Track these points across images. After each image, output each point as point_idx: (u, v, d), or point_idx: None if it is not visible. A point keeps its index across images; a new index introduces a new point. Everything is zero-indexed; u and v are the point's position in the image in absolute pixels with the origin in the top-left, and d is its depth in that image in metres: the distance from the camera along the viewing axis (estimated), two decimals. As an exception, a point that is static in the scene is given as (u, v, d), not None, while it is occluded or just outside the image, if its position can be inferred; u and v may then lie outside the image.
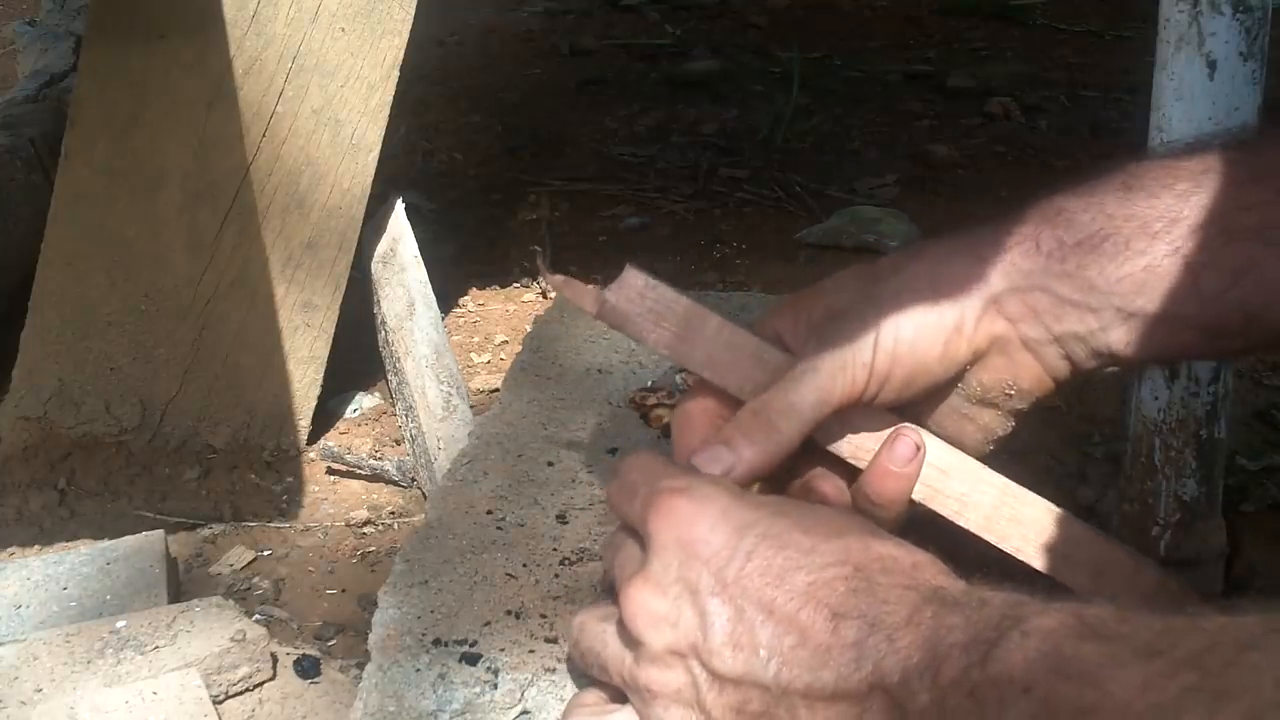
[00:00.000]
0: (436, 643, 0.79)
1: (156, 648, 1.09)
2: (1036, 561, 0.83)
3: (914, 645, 0.60)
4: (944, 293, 0.78)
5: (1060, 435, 1.45)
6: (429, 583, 0.85)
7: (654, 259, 1.96)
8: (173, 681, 1.05)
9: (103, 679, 1.06)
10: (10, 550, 1.36)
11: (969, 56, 2.78)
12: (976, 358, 0.80)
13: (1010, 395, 0.82)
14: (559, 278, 0.82)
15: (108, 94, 1.47)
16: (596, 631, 0.72)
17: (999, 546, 0.83)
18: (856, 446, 0.81)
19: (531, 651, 0.78)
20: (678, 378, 1.08)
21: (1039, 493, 0.86)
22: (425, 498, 1.38)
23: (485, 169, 2.29)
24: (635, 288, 0.80)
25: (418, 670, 0.78)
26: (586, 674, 0.73)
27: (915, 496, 0.81)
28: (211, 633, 1.10)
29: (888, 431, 0.81)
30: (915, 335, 0.78)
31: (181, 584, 1.29)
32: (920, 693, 0.59)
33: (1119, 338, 0.79)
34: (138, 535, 1.28)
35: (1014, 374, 0.81)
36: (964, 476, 0.82)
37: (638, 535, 0.73)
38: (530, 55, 2.85)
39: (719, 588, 0.66)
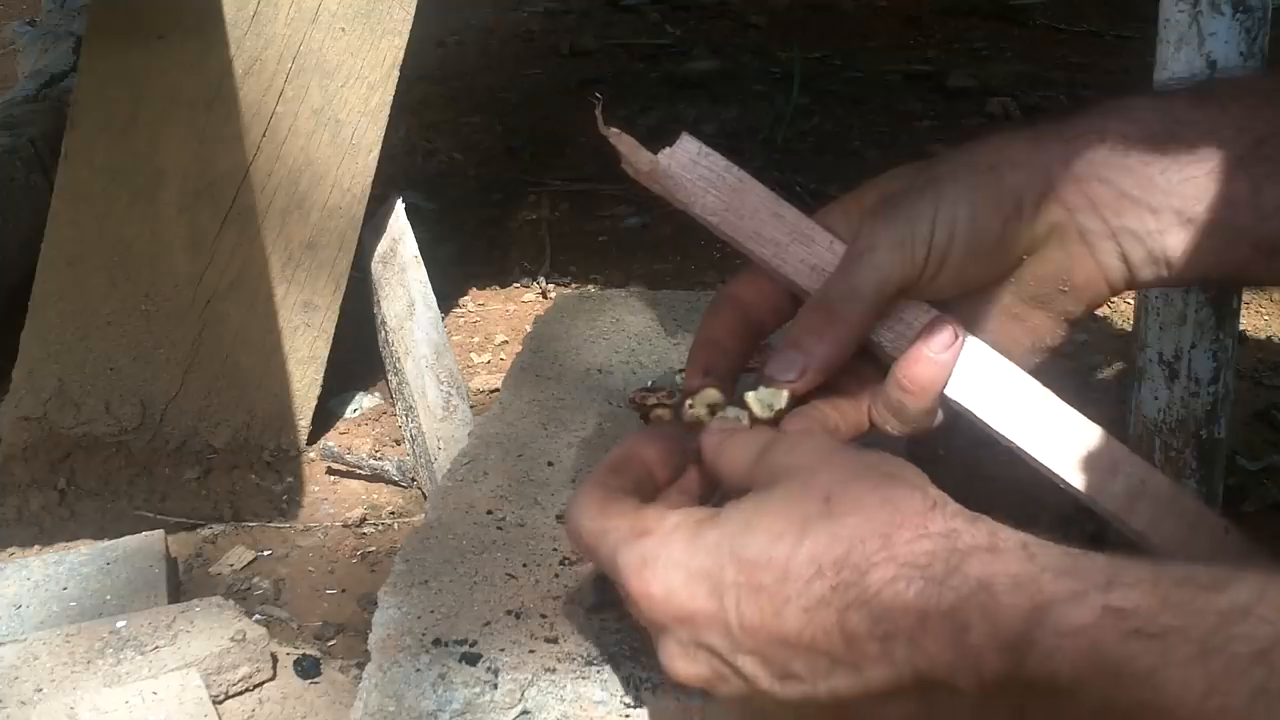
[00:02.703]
0: (436, 643, 0.79)
1: (156, 648, 1.09)
2: (1071, 477, 0.80)
3: (941, 645, 0.59)
4: (1004, 174, 0.76)
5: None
6: (429, 583, 0.85)
7: (654, 259, 1.96)
8: (173, 681, 1.05)
9: (103, 679, 1.06)
10: (10, 550, 1.36)
11: (969, 56, 2.78)
12: (1033, 246, 0.78)
13: (1064, 292, 0.79)
14: (615, 130, 0.81)
15: (108, 94, 1.47)
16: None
17: (1031, 455, 0.80)
18: (900, 336, 0.79)
19: (531, 651, 0.78)
20: (678, 377, 1.08)
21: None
22: (425, 498, 1.38)
23: (485, 169, 2.29)
24: (689, 153, 0.80)
25: (418, 670, 0.78)
26: None
27: (950, 394, 0.78)
28: (211, 633, 1.10)
29: (918, 322, 0.79)
30: (974, 213, 0.76)
31: (181, 584, 1.29)
32: (970, 691, 0.58)
33: (1175, 243, 0.76)
34: (138, 535, 1.28)
35: (1069, 268, 0.78)
36: (1003, 379, 0.79)
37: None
38: (530, 55, 2.85)
39: (735, 646, 0.65)
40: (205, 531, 1.39)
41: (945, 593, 0.59)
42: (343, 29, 1.48)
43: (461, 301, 1.84)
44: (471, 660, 0.78)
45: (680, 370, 1.07)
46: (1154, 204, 0.76)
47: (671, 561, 0.67)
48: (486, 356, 1.71)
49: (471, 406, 1.48)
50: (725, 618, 0.65)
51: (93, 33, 1.48)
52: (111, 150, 1.47)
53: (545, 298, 1.84)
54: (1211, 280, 0.92)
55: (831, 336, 0.77)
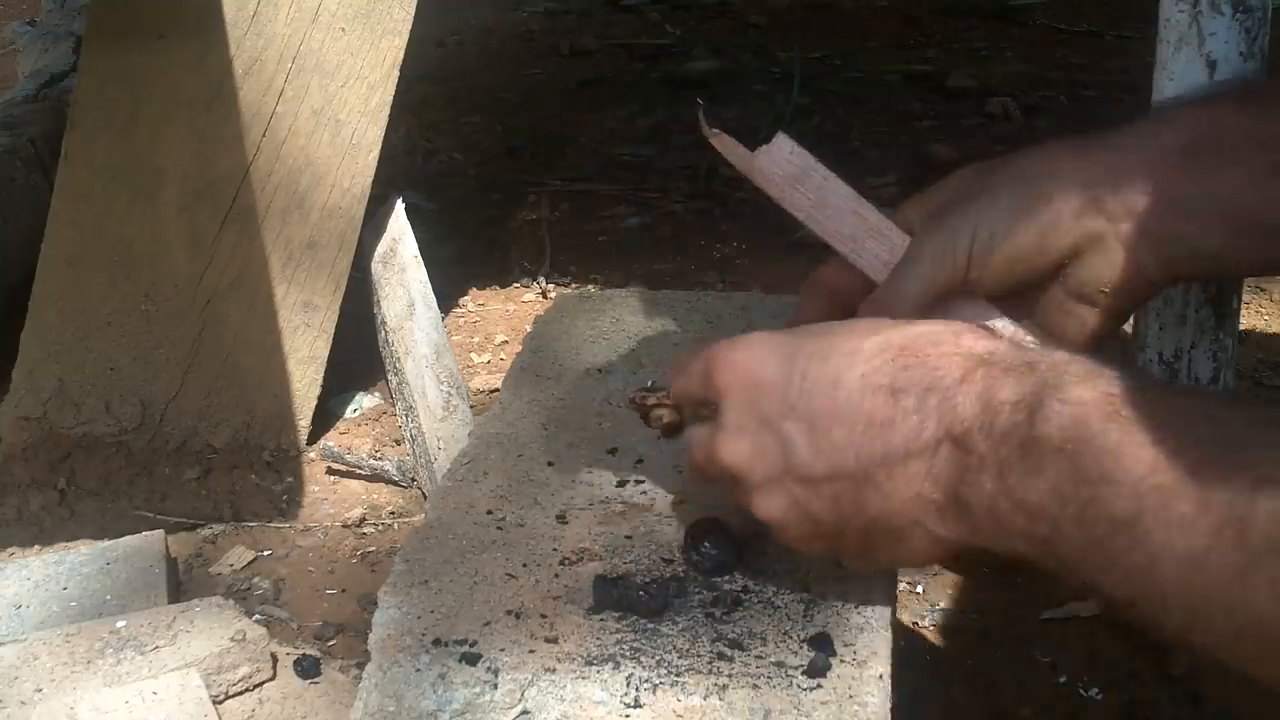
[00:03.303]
0: (436, 643, 0.79)
1: (156, 648, 1.09)
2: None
3: (971, 400, 0.68)
4: (1045, 188, 0.83)
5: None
6: (429, 583, 0.85)
7: (654, 259, 1.96)
8: (173, 681, 1.05)
9: (103, 679, 1.06)
10: (10, 550, 1.36)
11: (969, 56, 2.78)
12: (1074, 253, 0.84)
13: (1105, 293, 0.85)
14: (715, 130, 0.88)
15: (108, 94, 1.47)
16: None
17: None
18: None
19: (531, 651, 0.78)
20: (678, 378, 1.07)
21: None
22: (425, 498, 1.38)
23: (485, 169, 2.29)
24: (782, 153, 0.88)
25: (418, 670, 0.78)
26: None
27: None
28: (211, 633, 1.10)
29: (987, 321, 0.85)
30: (1012, 227, 0.83)
31: (181, 584, 1.29)
32: (980, 441, 0.67)
33: (1218, 244, 0.82)
34: (138, 535, 1.28)
35: (1109, 271, 0.83)
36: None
37: (705, 407, 0.79)
38: (530, 55, 2.85)
39: (788, 410, 0.74)
40: (205, 531, 1.39)
41: (992, 367, 0.69)
42: (343, 29, 1.48)
43: (461, 301, 1.84)
44: (471, 660, 0.78)
45: (680, 370, 1.07)
46: (1194, 208, 0.81)
47: (758, 338, 0.77)
48: (486, 356, 1.71)
49: (471, 406, 1.48)
50: (788, 382, 0.74)
51: (93, 33, 1.48)
52: (111, 150, 1.47)
53: (545, 298, 1.84)
54: (1262, 273, 1.06)
55: None
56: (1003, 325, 0.85)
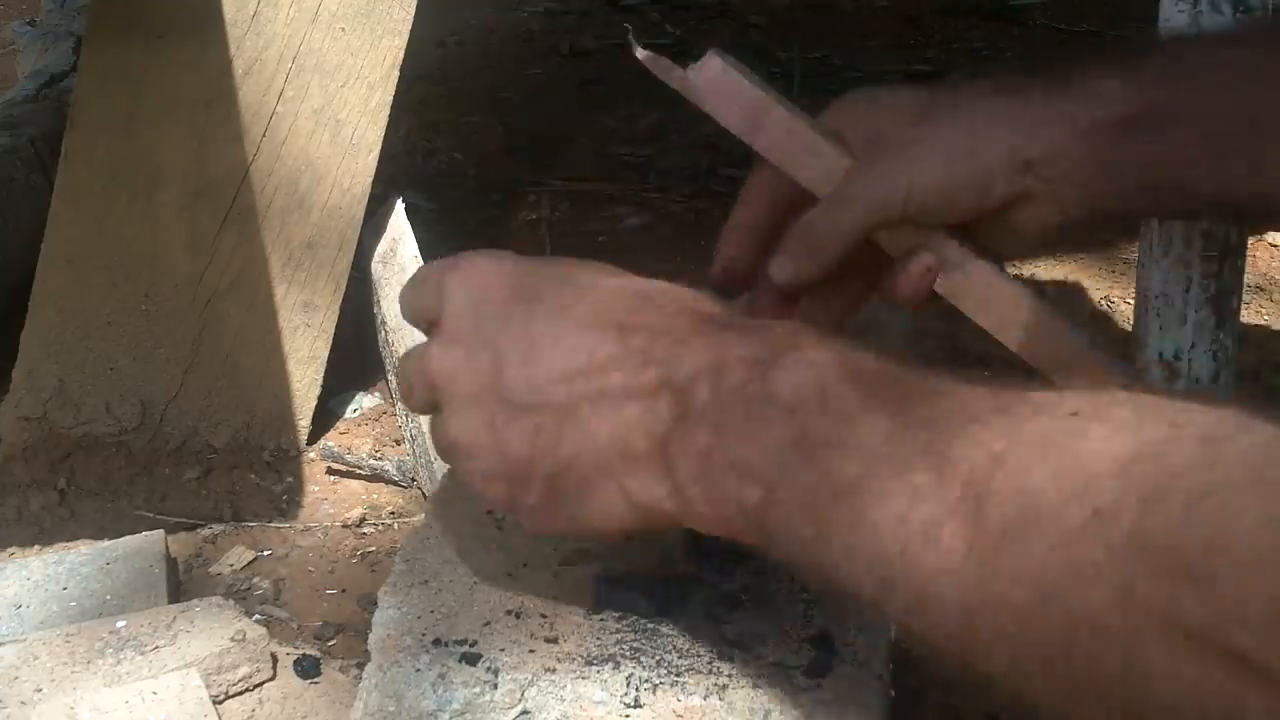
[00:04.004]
0: (436, 643, 0.79)
1: (156, 648, 1.09)
2: (1037, 362, 0.89)
3: (702, 350, 0.65)
4: (981, 150, 0.84)
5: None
6: (429, 583, 0.85)
7: (654, 259, 1.96)
8: (173, 681, 1.05)
9: (103, 679, 1.06)
10: (10, 550, 1.36)
11: (969, 56, 2.78)
12: (1006, 206, 0.85)
13: (1035, 236, 0.87)
14: (647, 53, 0.88)
15: (108, 93, 1.47)
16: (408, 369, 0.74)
17: (1009, 347, 0.89)
18: (900, 248, 0.88)
19: (531, 651, 0.78)
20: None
21: None
22: (425, 498, 1.38)
23: (485, 169, 2.29)
24: (714, 70, 0.89)
25: (418, 670, 0.78)
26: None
27: (939, 289, 0.88)
28: (211, 633, 1.10)
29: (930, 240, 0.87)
30: (946, 185, 0.84)
31: (181, 584, 1.29)
32: (702, 390, 0.63)
33: (1139, 206, 0.86)
34: (138, 535, 1.28)
35: (1041, 222, 0.85)
36: (982, 280, 0.88)
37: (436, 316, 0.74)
38: (530, 55, 2.85)
39: (508, 327, 0.69)
40: (205, 531, 1.39)
41: (727, 327, 0.67)
42: (343, 29, 1.48)
43: (461, 301, 1.84)
44: (471, 660, 0.78)
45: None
46: (1117, 175, 0.83)
47: (499, 254, 0.73)
48: (486, 356, 1.71)
49: (471, 406, 1.48)
50: (516, 298, 0.70)
51: (93, 32, 1.48)
52: (111, 150, 1.47)
53: (545, 298, 1.84)
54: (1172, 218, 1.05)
55: (815, 261, 0.87)
56: (944, 243, 0.87)
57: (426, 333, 0.74)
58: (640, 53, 0.88)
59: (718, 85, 0.89)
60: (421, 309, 0.74)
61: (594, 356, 0.67)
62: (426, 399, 0.72)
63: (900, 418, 0.57)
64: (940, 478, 0.54)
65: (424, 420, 1.42)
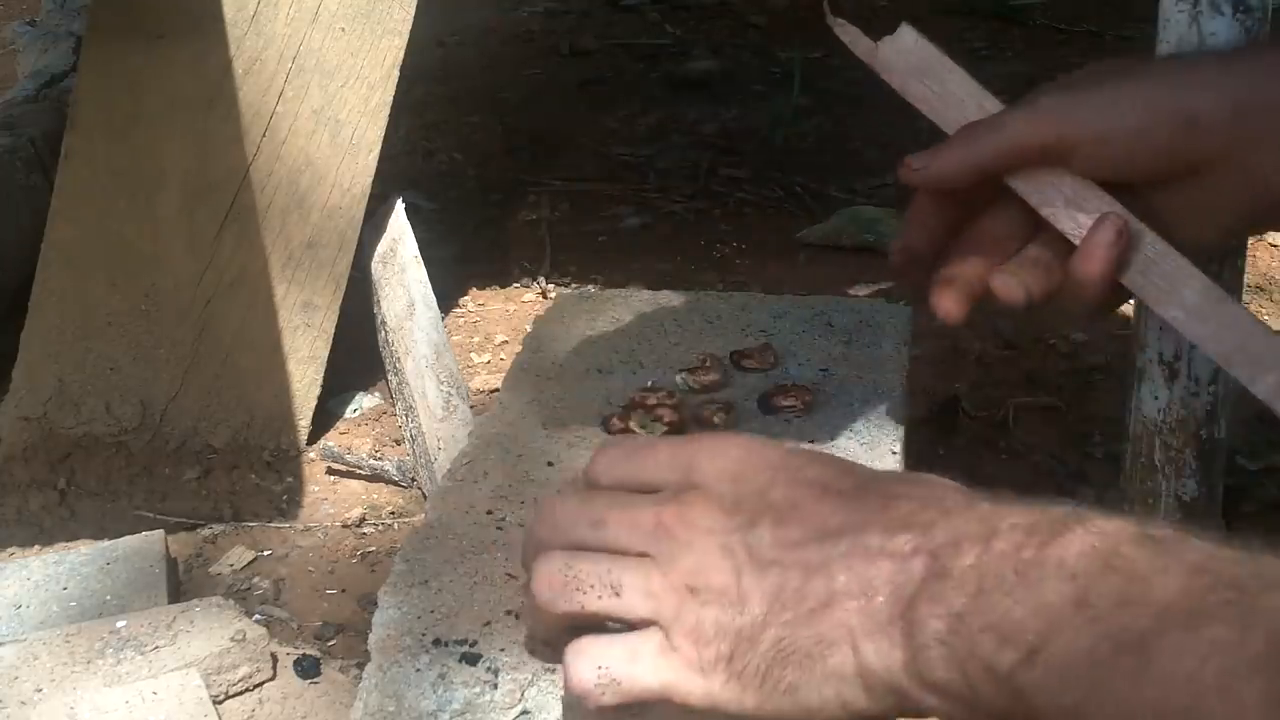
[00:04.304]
0: (436, 643, 0.79)
1: (156, 648, 1.09)
2: (1231, 363, 0.84)
3: (970, 519, 0.60)
4: (1186, 86, 0.80)
5: (1060, 435, 1.45)
6: (429, 583, 0.85)
7: (654, 259, 1.96)
8: (173, 681, 1.05)
9: (103, 679, 1.06)
10: (10, 550, 1.36)
11: (969, 56, 2.78)
12: (1206, 162, 0.80)
13: (1227, 209, 0.82)
14: (839, 20, 0.89)
15: (108, 93, 1.47)
16: (595, 557, 0.67)
17: (1197, 343, 0.85)
18: (1074, 223, 0.84)
19: (532, 652, 0.78)
20: (678, 378, 1.07)
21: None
22: (425, 498, 1.38)
23: (485, 169, 2.29)
24: (905, 43, 0.89)
25: (418, 670, 0.78)
26: (560, 608, 0.67)
27: (1121, 279, 0.83)
28: (211, 633, 1.10)
29: (1098, 213, 0.82)
30: (1143, 124, 0.79)
31: (181, 584, 1.29)
32: (967, 555, 0.59)
33: None
34: (138, 535, 1.28)
35: (1231, 191, 0.80)
36: (1171, 269, 0.83)
37: (653, 487, 0.69)
38: (530, 55, 2.85)
39: (766, 494, 0.65)
40: (205, 531, 1.39)
41: (1004, 502, 0.62)
42: (343, 29, 1.48)
43: (461, 301, 1.84)
44: (471, 660, 0.78)
45: (681, 370, 1.07)
46: None
47: (752, 438, 0.69)
48: (486, 356, 1.71)
49: (471, 406, 1.48)
50: (778, 469, 0.66)
51: (93, 33, 1.48)
52: (111, 150, 1.47)
53: (545, 298, 1.84)
54: None
55: (960, 154, 0.84)
56: (1107, 206, 0.82)
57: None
58: (835, 23, 0.89)
59: (908, 59, 0.89)
60: (658, 483, 0.69)
61: (852, 517, 0.63)
62: (618, 539, 0.67)
63: (1199, 578, 0.53)
64: (1244, 629, 0.50)
65: (424, 420, 1.42)
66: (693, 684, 0.64)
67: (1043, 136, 0.82)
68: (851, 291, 1.82)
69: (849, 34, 0.88)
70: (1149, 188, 0.82)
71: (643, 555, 0.66)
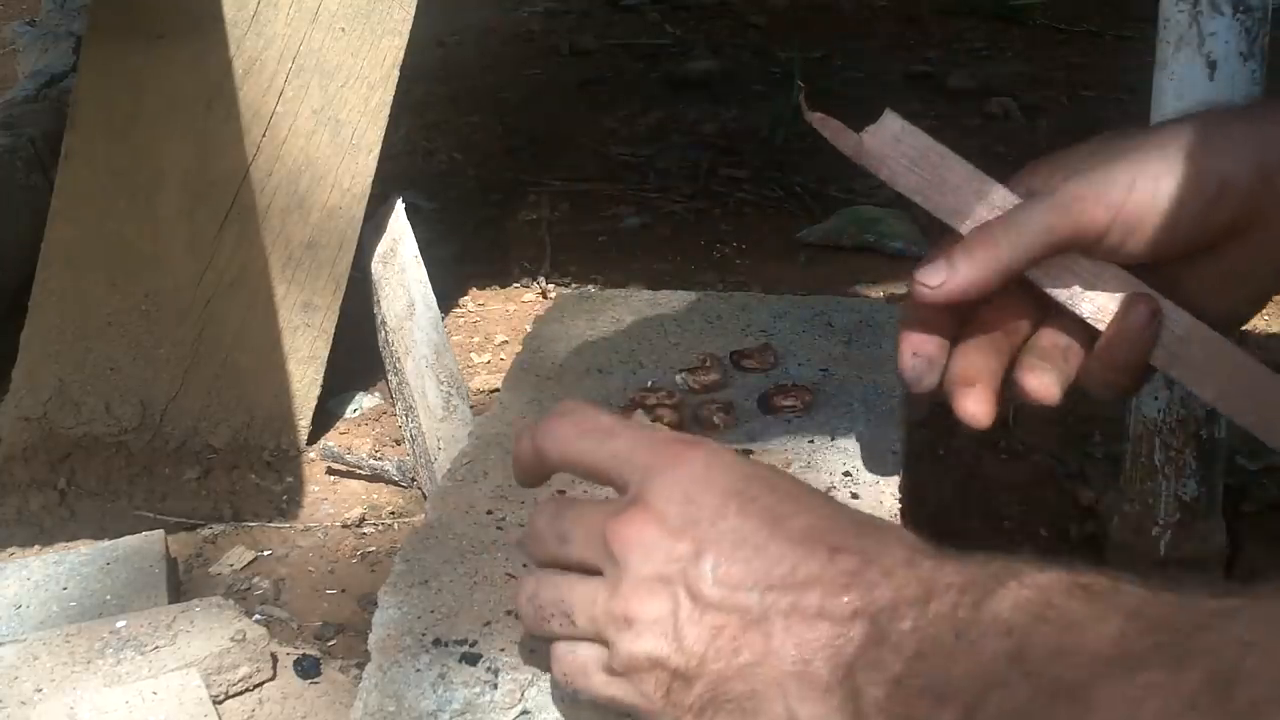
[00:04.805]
0: (436, 643, 0.79)
1: (156, 648, 1.09)
2: (1273, 441, 0.80)
3: (909, 580, 0.60)
4: (1212, 157, 0.74)
5: (1060, 435, 1.45)
6: (429, 583, 0.85)
7: (654, 259, 1.96)
8: (173, 681, 1.05)
9: (103, 679, 1.06)
10: (10, 550, 1.36)
11: (969, 56, 2.78)
12: (1234, 231, 0.76)
13: (1266, 273, 0.77)
14: (818, 115, 0.81)
15: (107, 93, 1.47)
16: (556, 581, 0.69)
17: (1235, 420, 0.81)
18: (1095, 306, 0.79)
19: (532, 651, 0.78)
20: (678, 378, 1.07)
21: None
22: (425, 498, 1.38)
23: (485, 169, 2.29)
24: (891, 132, 0.81)
25: (418, 670, 0.78)
26: (538, 633, 0.71)
27: (1153, 362, 0.79)
28: (211, 633, 1.10)
29: (1124, 294, 0.78)
30: (1174, 191, 0.74)
31: (181, 584, 1.29)
32: (905, 619, 0.59)
33: None
34: (138, 535, 1.28)
35: (1271, 252, 0.76)
36: (1203, 346, 0.79)
37: (606, 478, 0.70)
38: (530, 55, 2.85)
39: (719, 521, 0.65)
40: (205, 531, 1.39)
41: (942, 559, 0.61)
42: (343, 29, 1.48)
43: (461, 301, 1.84)
44: (471, 660, 0.78)
45: (681, 370, 1.07)
46: None
47: (717, 449, 0.68)
48: (486, 356, 1.71)
49: (471, 406, 1.48)
50: (733, 493, 0.65)
51: (93, 33, 1.48)
52: (111, 150, 1.47)
53: (545, 298, 1.84)
54: None
55: (980, 261, 0.77)
56: (1128, 285, 0.77)
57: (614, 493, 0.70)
58: (813, 118, 0.82)
59: (896, 148, 0.82)
60: (611, 474, 0.70)
61: (797, 571, 0.62)
62: (579, 555, 0.68)
63: (1134, 622, 0.53)
64: (1178, 670, 0.50)
65: (424, 420, 1.42)
66: (637, 702, 0.66)
67: (1069, 229, 0.76)
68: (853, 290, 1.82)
69: (830, 128, 0.82)
70: (1173, 261, 0.78)
71: (598, 571, 0.68)
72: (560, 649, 0.70)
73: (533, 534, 0.72)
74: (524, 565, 0.86)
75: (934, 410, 1.55)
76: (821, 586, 0.61)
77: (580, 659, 0.68)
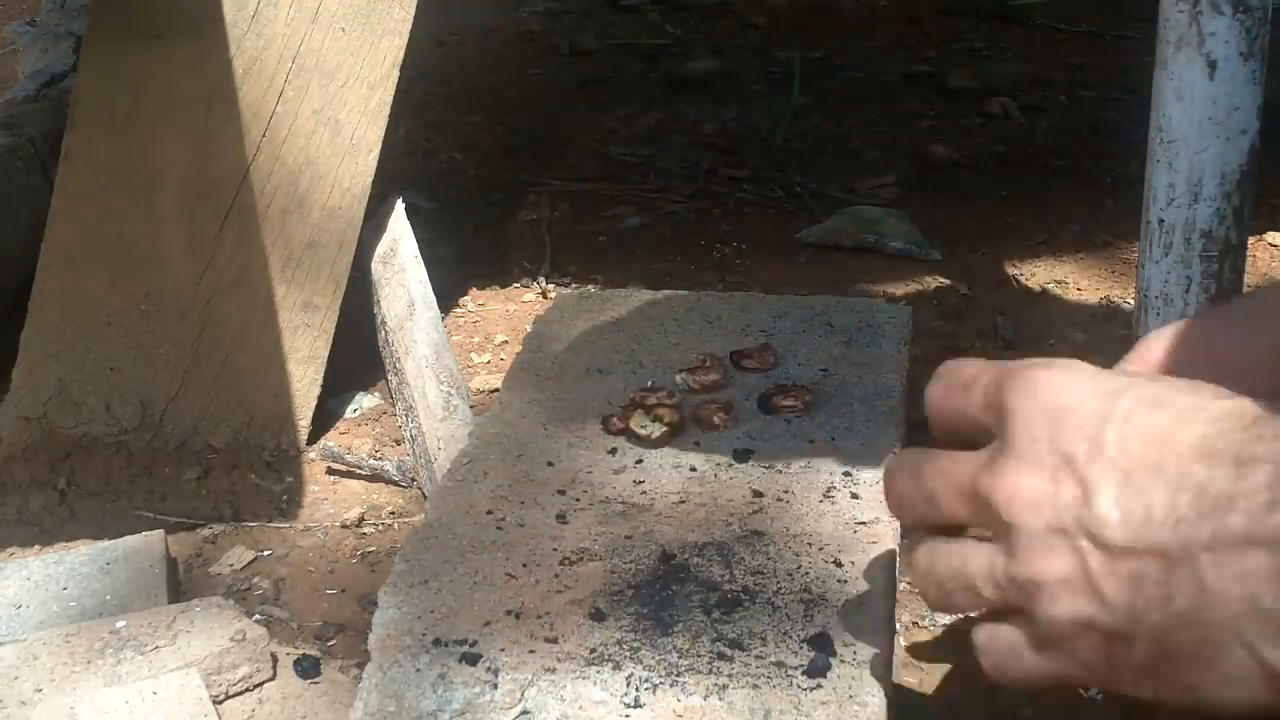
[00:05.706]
0: (436, 643, 0.79)
1: (156, 648, 1.09)
2: None
3: None
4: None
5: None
6: (429, 583, 0.85)
7: (654, 259, 1.96)
8: (173, 681, 1.05)
9: (103, 679, 1.06)
10: (10, 550, 1.36)
11: (969, 56, 2.78)
12: None
13: None
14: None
15: (107, 93, 1.47)
16: (949, 550, 0.65)
17: None
18: None
19: (531, 651, 0.78)
20: (678, 377, 1.08)
21: None
22: (425, 498, 1.38)
23: (485, 169, 2.29)
24: None
25: (418, 670, 0.78)
26: (945, 611, 0.68)
27: None
28: (211, 633, 1.10)
29: None
30: None
31: (181, 584, 1.29)
32: None
33: None
34: (138, 535, 1.28)
35: None
36: None
37: (977, 426, 0.65)
38: (530, 55, 2.85)
39: (1098, 452, 0.59)
40: (205, 531, 1.39)
41: None
42: (343, 29, 1.48)
43: (461, 301, 1.84)
44: (471, 660, 0.78)
45: (681, 370, 1.07)
46: None
47: (1071, 362, 0.64)
48: (486, 356, 1.71)
49: (471, 406, 1.48)
50: (1106, 418, 0.60)
51: (93, 33, 1.48)
52: (111, 150, 1.47)
53: (545, 298, 1.84)
54: None
55: None
56: None
57: (945, 439, 0.67)
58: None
59: None
60: (958, 410, 0.67)
61: (1204, 494, 0.56)
62: (950, 513, 0.64)
63: None
64: None
65: (424, 420, 1.42)
66: (1080, 675, 0.61)
67: None
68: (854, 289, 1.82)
69: None
70: None
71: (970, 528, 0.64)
72: (981, 638, 0.65)
73: (894, 496, 0.68)
74: (524, 565, 0.86)
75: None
76: (1241, 506, 0.55)
77: (1004, 641, 0.64)
